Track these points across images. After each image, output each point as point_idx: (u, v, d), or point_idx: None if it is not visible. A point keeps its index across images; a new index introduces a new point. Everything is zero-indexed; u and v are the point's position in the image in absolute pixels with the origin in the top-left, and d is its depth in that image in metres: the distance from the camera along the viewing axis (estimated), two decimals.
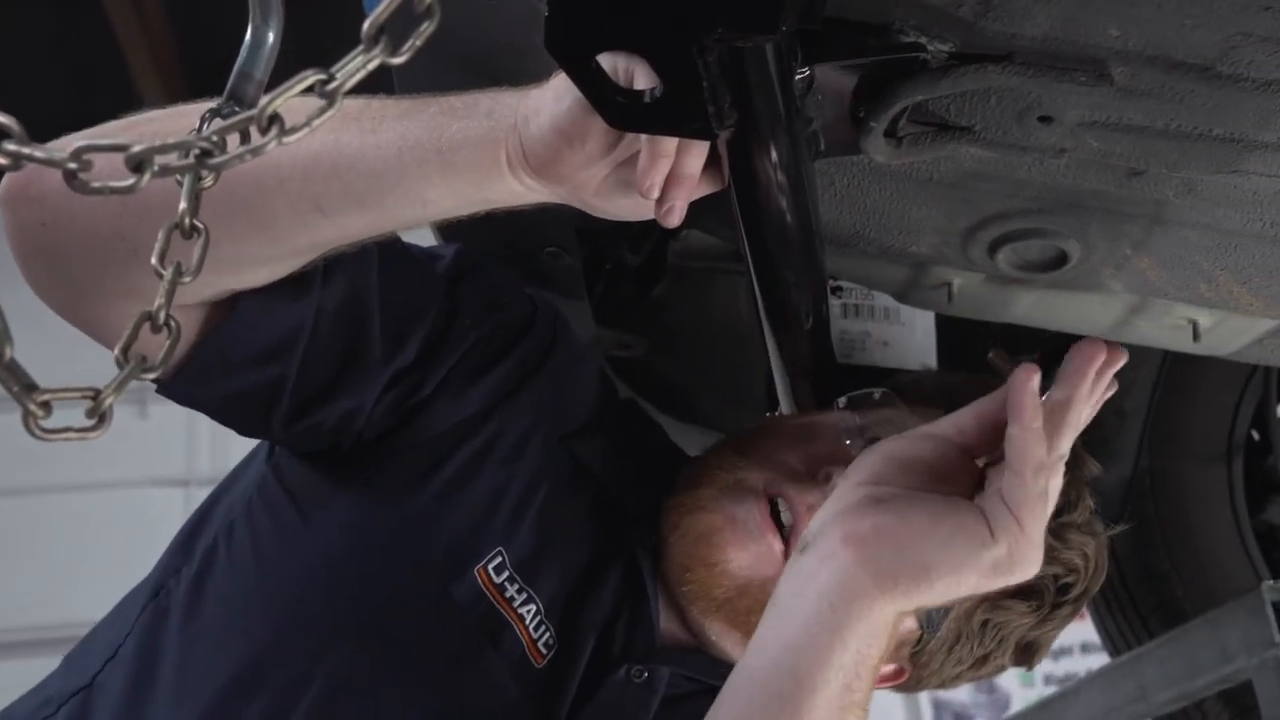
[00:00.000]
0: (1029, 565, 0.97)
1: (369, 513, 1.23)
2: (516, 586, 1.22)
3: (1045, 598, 1.30)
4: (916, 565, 0.96)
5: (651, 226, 1.02)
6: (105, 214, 0.95)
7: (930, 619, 1.26)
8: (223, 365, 1.10)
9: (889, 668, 1.33)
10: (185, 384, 1.11)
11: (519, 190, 0.97)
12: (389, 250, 1.17)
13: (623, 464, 1.38)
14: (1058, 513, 1.27)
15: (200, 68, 5.21)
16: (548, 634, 1.22)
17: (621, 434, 1.43)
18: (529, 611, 1.22)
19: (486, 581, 1.20)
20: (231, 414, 1.19)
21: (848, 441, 1.27)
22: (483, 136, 0.95)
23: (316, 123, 0.62)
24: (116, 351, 0.62)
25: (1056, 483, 0.98)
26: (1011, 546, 0.95)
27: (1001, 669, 1.38)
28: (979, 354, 1.83)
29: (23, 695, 1.29)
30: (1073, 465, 1.30)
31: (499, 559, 1.22)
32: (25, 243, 1.01)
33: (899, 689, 1.40)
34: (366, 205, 0.98)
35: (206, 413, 1.18)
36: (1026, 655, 1.37)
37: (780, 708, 0.97)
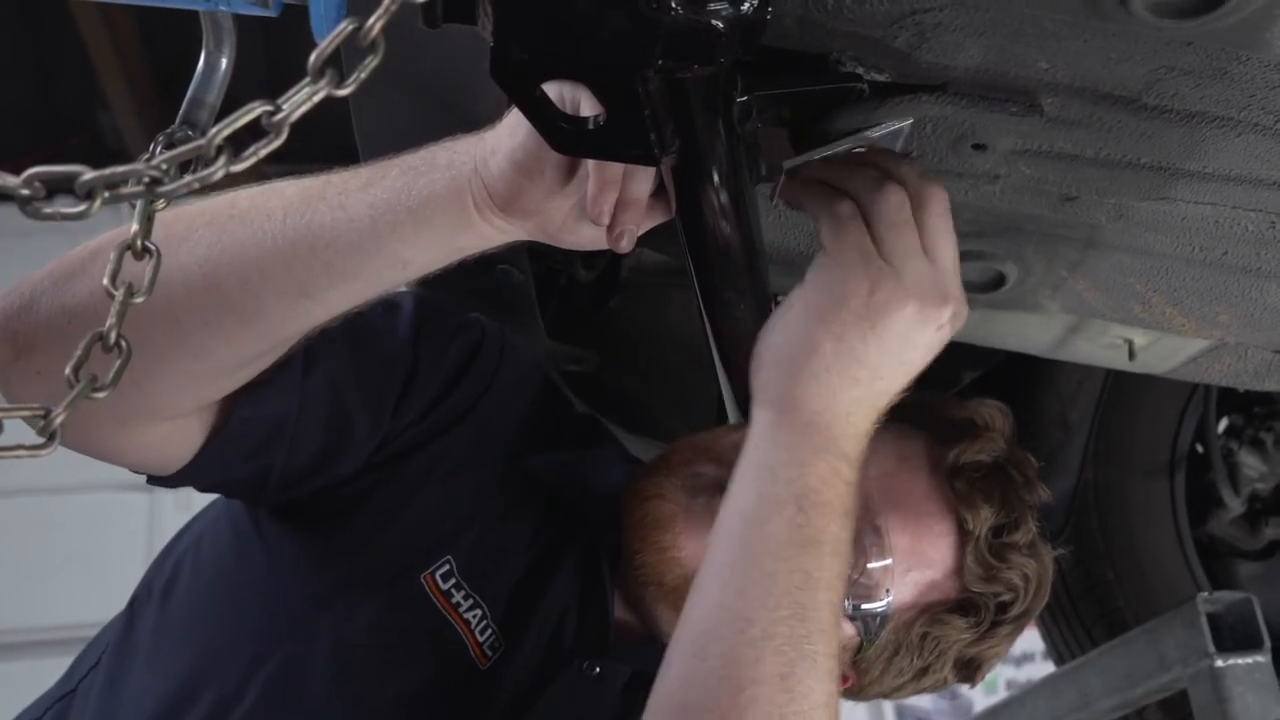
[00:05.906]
0: (886, 272, 0.98)
1: (316, 526, 1.28)
2: (463, 593, 1.26)
3: (984, 615, 1.32)
4: (809, 372, 1.00)
5: None
6: None
7: (868, 627, 1.29)
8: (217, 465, 1.15)
9: None
10: (179, 479, 1.16)
11: (490, 232, 1.00)
12: (359, 324, 1.19)
13: (577, 474, 1.41)
14: (998, 533, 1.30)
15: (163, 62, 5.17)
16: (493, 636, 1.27)
17: (574, 446, 1.46)
18: (475, 616, 1.26)
19: (433, 589, 1.25)
20: (219, 491, 1.26)
21: None
22: (447, 187, 0.97)
23: (264, 152, 0.64)
24: (68, 371, 0.64)
25: (938, 204, 1.00)
26: (863, 264, 0.98)
27: (944, 683, 1.39)
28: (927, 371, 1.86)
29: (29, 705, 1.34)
30: (1020, 488, 1.33)
31: (446, 567, 1.26)
32: (25, 393, 1.01)
33: (844, 695, 1.41)
34: (350, 278, 1.01)
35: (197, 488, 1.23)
36: (969, 671, 1.39)
37: (733, 547, 1.01)
